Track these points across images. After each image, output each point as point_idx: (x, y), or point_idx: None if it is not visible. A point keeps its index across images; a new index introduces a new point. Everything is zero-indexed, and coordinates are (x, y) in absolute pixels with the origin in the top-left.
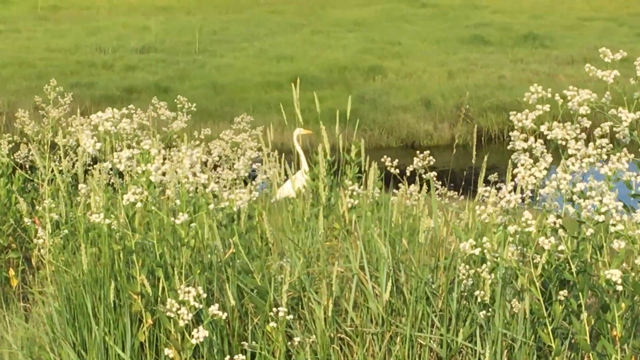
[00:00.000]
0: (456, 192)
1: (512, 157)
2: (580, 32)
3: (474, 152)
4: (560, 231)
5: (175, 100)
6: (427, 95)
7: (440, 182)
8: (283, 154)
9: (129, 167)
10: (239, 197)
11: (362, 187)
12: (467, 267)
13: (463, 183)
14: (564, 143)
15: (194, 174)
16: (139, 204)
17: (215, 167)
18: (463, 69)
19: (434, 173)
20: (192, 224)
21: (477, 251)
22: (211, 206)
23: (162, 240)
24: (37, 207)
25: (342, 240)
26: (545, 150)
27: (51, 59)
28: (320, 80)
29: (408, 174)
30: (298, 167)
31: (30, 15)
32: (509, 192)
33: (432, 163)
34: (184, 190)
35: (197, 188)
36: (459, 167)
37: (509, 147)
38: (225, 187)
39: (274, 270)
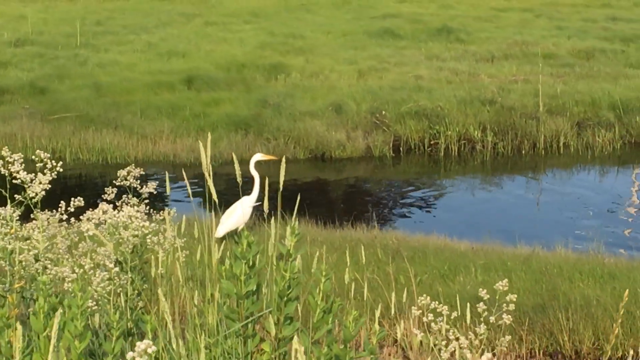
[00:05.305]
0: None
1: None
2: (497, 25)
3: None
4: None
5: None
6: (337, 99)
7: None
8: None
9: None
10: None
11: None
12: None
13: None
14: None
15: None
16: None
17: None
18: (375, 67)
19: None
20: None
21: None
22: None
23: None
24: None
25: None
26: None
27: None
28: (216, 80)
29: None
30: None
31: None
32: None
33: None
34: None
35: None
36: (375, 181)
37: None
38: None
39: None
